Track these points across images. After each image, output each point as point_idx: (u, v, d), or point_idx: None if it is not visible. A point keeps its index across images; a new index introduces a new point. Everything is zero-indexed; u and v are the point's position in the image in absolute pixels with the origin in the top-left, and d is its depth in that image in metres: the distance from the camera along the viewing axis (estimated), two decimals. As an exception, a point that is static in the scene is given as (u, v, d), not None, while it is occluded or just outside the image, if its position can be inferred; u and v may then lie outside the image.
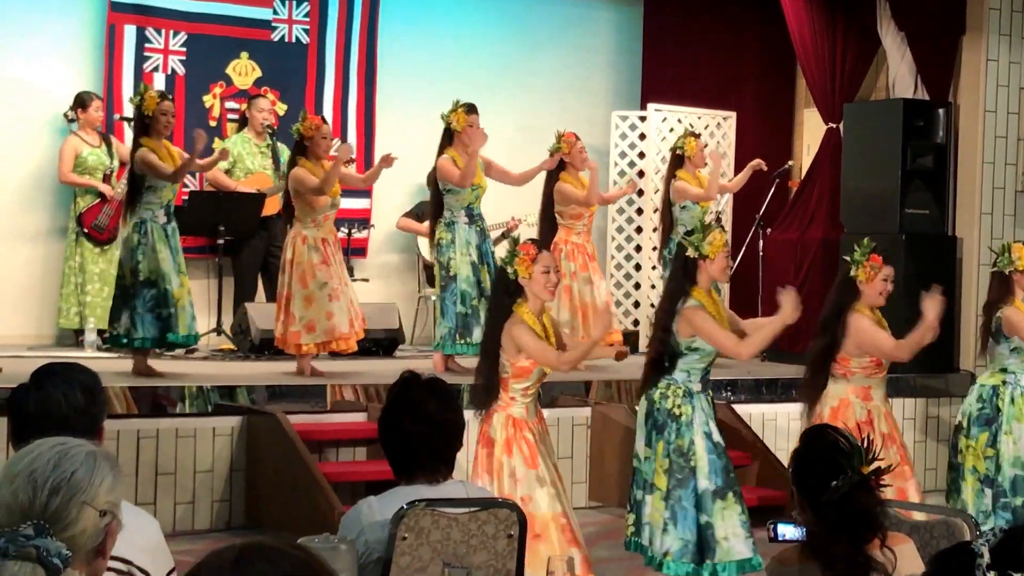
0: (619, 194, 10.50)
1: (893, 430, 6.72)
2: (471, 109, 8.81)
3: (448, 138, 8.81)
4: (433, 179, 8.92)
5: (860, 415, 6.60)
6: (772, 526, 3.48)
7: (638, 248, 11.51)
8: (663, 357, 6.15)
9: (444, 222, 8.82)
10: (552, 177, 9.41)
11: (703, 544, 5.98)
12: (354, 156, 10.18)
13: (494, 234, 10.06)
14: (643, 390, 6.27)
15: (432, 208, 8.99)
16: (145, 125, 8.18)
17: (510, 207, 10.67)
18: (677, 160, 9.84)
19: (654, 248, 11.48)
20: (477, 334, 8.58)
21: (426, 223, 10.79)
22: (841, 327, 6.60)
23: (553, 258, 6.01)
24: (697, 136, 10.00)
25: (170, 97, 8.44)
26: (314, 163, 8.52)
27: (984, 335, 7.42)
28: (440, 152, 8.82)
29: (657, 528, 6.03)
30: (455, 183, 8.73)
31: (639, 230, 11.54)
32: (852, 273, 6.63)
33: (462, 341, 8.71)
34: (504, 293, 5.79)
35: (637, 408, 6.41)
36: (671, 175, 9.86)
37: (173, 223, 8.26)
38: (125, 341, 8.18)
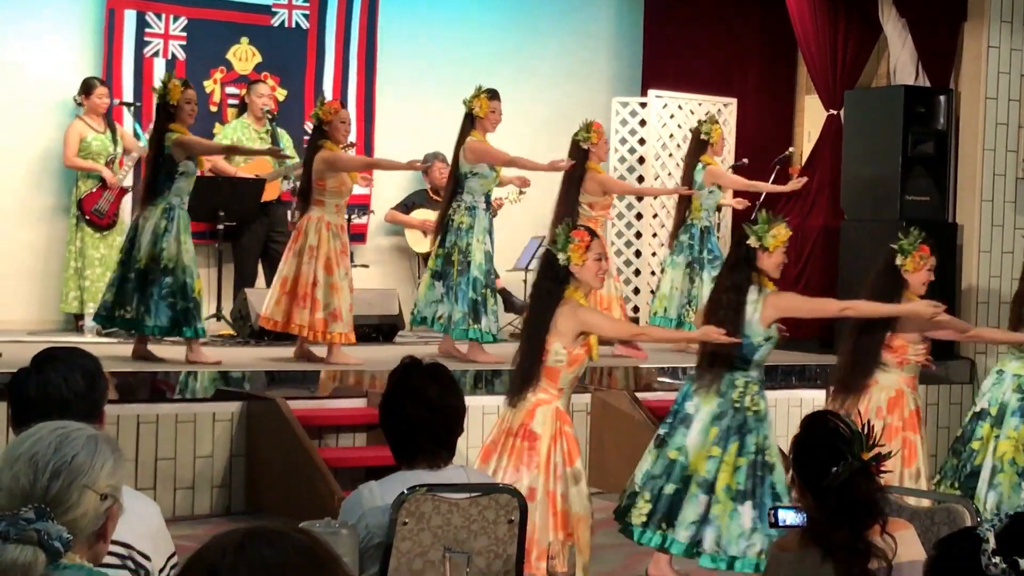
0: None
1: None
2: (493, 95, 8.74)
3: (470, 123, 8.76)
4: (456, 161, 8.83)
5: (911, 406, 6.60)
6: (773, 512, 3.49)
7: (638, 234, 11.51)
8: (732, 352, 6.07)
9: (465, 206, 8.70)
10: (581, 165, 9.29)
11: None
12: (354, 141, 10.16)
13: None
14: (709, 385, 6.15)
15: (449, 191, 8.83)
16: (170, 114, 8.16)
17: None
18: (700, 145, 9.80)
19: (654, 234, 11.48)
20: (484, 322, 8.59)
21: (417, 214, 10.83)
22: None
23: (604, 246, 5.89)
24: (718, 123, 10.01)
25: (192, 85, 8.42)
26: (334, 147, 8.51)
27: (1015, 321, 7.33)
28: (463, 137, 8.74)
29: (730, 529, 5.99)
30: (498, 162, 8.70)
31: (639, 216, 11.54)
32: (899, 262, 6.59)
33: (475, 326, 8.67)
34: (553, 279, 5.61)
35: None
36: (695, 160, 9.82)
37: (186, 210, 8.25)
38: (132, 325, 8.15)
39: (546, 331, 5.51)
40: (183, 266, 8.03)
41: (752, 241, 6.09)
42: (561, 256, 5.54)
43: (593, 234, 5.63)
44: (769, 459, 6.08)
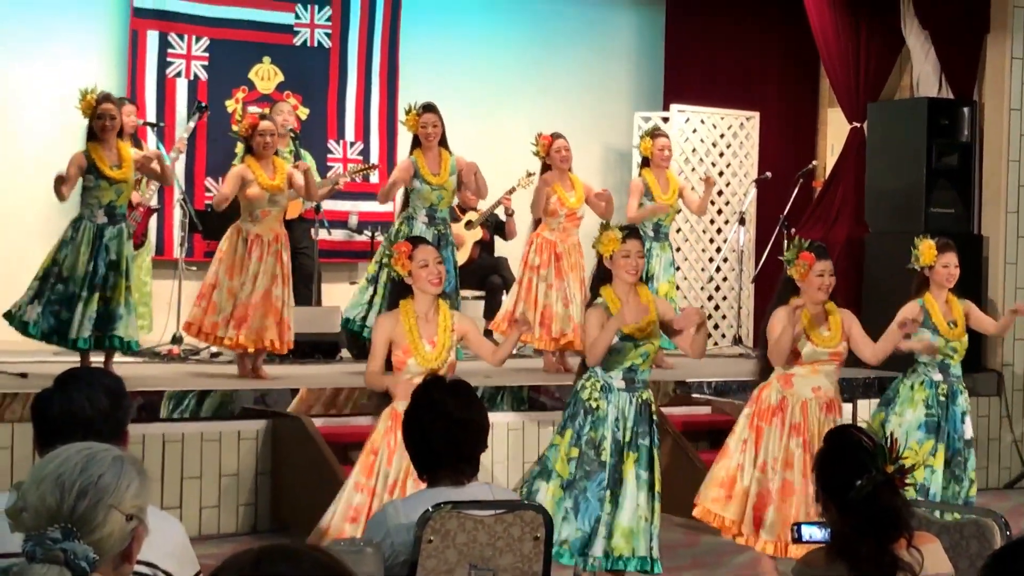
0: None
1: None
2: (426, 108, 8.81)
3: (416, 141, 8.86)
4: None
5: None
6: (796, 528, 3.47)
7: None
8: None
9: (406, 215, 8.82)
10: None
11: (592, 538, 6.00)
12: (376, 163, 10.14)
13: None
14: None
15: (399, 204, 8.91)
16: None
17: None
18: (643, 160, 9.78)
19: (677, 249, 11.48)
20: None
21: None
22: None
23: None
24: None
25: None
26: (260, 161, 8.48)
27: None
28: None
29: (555, 516, 5.96)
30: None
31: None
32: (789, 273, 6.60)
33: None
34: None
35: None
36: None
37: (118, 226, 8.14)
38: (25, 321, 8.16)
39: None
40: (75, 278, 8.04)
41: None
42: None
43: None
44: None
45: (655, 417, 6.21)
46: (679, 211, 10.01)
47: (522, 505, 4.09)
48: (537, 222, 9.34)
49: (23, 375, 8.06)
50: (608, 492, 6.01)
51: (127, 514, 2.54)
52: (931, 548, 3.46)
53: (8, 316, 8.24)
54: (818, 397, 6.52)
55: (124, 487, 2.54)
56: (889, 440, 3.47)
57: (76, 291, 8.02)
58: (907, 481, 3.45)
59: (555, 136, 9.30)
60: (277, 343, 8.40)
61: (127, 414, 3.51)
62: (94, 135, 8.16)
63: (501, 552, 3.92)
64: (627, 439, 6.07)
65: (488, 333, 9.08)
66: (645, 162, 9.61)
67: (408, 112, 8.81)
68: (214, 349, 9.27)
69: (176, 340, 9.69)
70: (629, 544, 5.98)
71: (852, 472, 3.39)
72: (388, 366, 5.86)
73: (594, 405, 6.08)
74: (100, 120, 8.13)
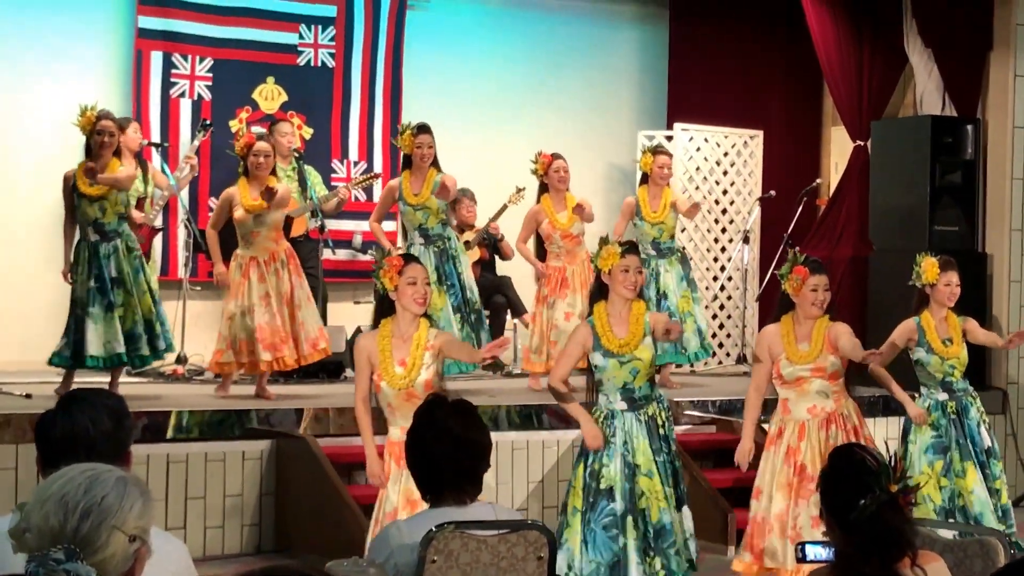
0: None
1: None
2: (420, 129, 8.91)
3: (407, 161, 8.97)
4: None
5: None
6: (800, 547, 3.46)
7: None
8: None
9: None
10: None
11: (618, 566, 5.98)
12: (379, 172, 10.18)
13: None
14: None
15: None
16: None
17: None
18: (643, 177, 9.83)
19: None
20: None
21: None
22: None
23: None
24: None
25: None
26: (251, 182, 8.54)
27: None
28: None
29: (576, 548, 6.02)
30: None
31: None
32: (784, 288, 6.60)
33: None
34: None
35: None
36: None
37: (112, 242, 8.18)
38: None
39: None
40: (79, 299, 8.15)
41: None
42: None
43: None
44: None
45: (664, 431, 6.16)
46: (680, 226, 10.03)
47: (525, 525, 4.08)
48: (539, 247, 9.38)
49: (27, 396, 8.07)
50: (625, 518, 5.98)
51: (130, 535, 2.54)
52: (935, 567, 3.44)
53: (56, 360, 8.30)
54: (815, 416, 6.44)
55: (127, 508, 2.55)
56: (893, 459, 3.46)
57: (81, 313, 8.05)
58: (912, 501, 3.43)
59: (555, 156, 9.33)
60: (291, 360, 8.52)
61: (129, 435, 3.52)
62: (90, 152, 8.18)
63: (504, 572, 3.92)
64: (638, 460, 6.05)
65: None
66: (644, 178, 9.64)
67: (403, 132, 8.85)
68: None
69: (180, 360, 9.70)
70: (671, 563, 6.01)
71: (855, 492, 3.38)
72: None
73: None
74: (99, 136, 8.15)
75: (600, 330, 6.08)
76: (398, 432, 5.61)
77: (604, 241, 6.23)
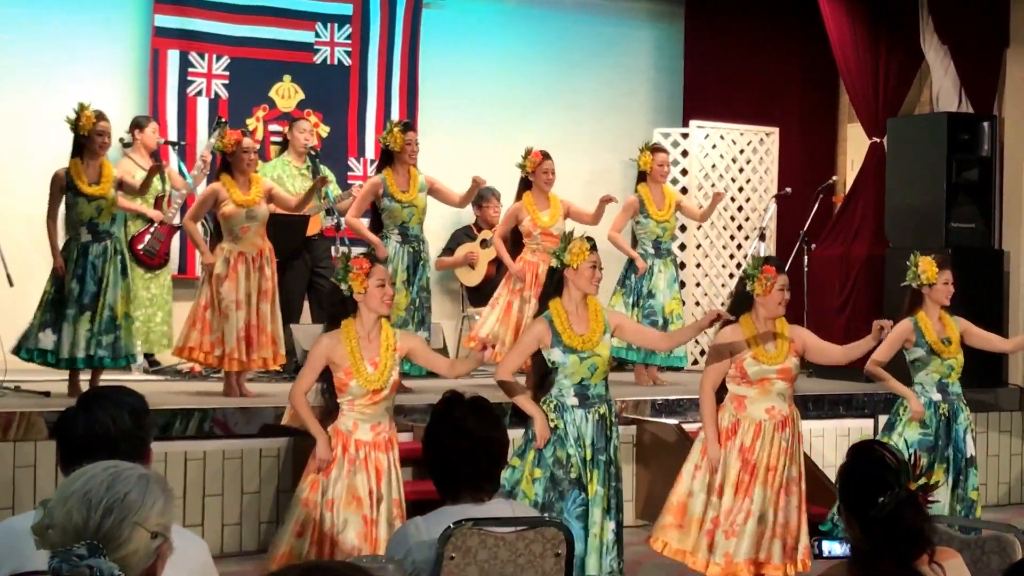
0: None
1: None
2: (406, 127, 8.95)
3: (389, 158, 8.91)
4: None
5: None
6: (817, 543, 3.47)
7: (682, 265, 11.50)
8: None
9: (383, 235, 8.96)
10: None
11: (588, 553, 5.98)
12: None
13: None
14: None
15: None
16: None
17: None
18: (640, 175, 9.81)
19: (698, 265, 11.47)
20: None
21: (461, 251, 10.90)
22: None
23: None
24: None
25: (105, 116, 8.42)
26: (236, 177, 8.50)
27: None
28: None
29: None
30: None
31: (683, 247, 11.54)
32: (748, 288, 6.53)
33: None
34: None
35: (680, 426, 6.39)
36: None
37: (103, 243, 8.15)
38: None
39: None
40: (62, 299, 8.08)
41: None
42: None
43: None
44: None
45: (609, 433, 6.13)
46: (681, 226, 10.01)
47: (543, 521, 4.09)
48: (517, 242, 9.33)
49: (46, 394, 8.10)
50: (588, 507, 5.99)
51: (152, 532, 2.55)
52: (953, 564, 3.45)
53: (18, 350, 8.23)
54: (772, 417, 6.40)
55: (150, 505, 2.56)
56: (913, 457, 3.46)
57: (64, 311, 8.00)
58: (930, 499, 3.44)
59: (545, 155, 9.32)
60: (271, 360, 8.51)
61: (150, 432, 3.54)
62: (80, 151, 8.15)
63: (522, 569, 3.93)
64: (588, 456, 6.04)
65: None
66: (642, 176, 9.64)
67: (391, 130, 8.85)
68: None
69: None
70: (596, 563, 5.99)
71: (875, 489, 3.38)
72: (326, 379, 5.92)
73: (552, 425, 6.05)
74: (101, 136, 8.15)
75: (560, 327, 6.06)
76: (350, 424, 5.83)
77: (570, 237, 6.22)
